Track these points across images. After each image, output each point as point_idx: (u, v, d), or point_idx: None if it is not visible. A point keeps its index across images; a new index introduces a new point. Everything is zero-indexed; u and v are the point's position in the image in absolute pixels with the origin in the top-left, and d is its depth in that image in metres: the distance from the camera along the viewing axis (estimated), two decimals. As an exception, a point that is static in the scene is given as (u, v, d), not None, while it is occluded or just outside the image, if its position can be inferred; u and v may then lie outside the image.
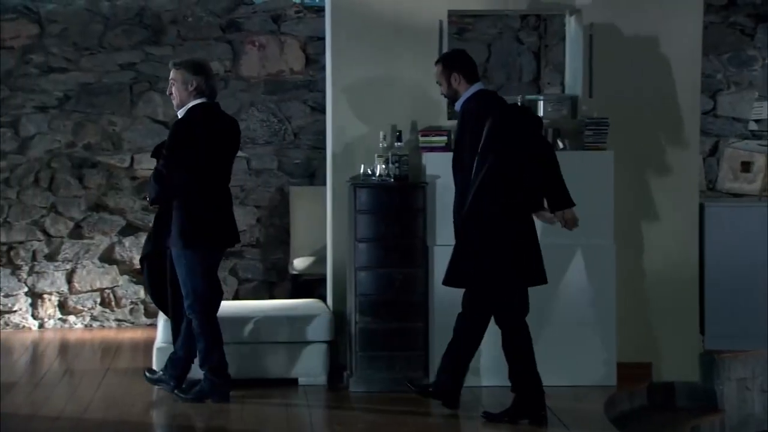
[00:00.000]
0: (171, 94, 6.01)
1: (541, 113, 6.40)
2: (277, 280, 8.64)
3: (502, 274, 5.45)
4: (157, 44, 8.56)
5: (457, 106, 5.65)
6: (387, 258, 6.20)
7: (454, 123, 6.54)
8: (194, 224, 5.85)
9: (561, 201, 5.50)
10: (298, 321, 6.40)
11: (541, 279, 5.55)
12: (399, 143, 6.17)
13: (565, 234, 5.98)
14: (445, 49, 6.30)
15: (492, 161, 5.37)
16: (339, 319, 6.51)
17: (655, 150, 6.60)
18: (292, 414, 5.79)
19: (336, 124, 6.56)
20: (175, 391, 5.99)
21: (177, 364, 6.03)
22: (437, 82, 5.75)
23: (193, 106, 5.93)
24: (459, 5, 6.41)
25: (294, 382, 6.34)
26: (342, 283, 6.58)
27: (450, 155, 5.73)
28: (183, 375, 6.05)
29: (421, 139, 6.27)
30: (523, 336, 5.56)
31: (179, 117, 5.98)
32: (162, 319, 6.40)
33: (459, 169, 5.59)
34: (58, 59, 8.44)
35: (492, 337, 6.13)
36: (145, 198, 7.56)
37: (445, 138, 6.23)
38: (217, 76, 8.52)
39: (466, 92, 5.62)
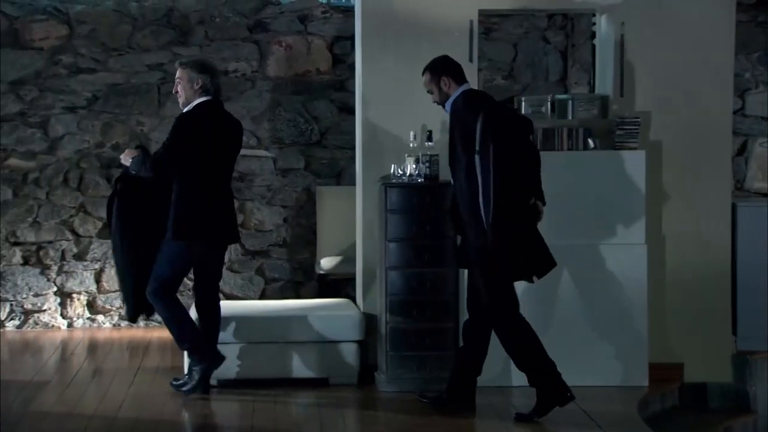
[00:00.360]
0: (177, 92, 6.17)
1: (570, 113, 6.39)
2: (304, 280, 8.64)
3: (504, 273, 5.50)
4: (185, 45, 8.58)
5: (447, 107, 5.68)
6: (417, 258, 6.20)
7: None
8: (189, 218, 6.00)
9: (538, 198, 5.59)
10: (329, 320, 6.41)
11: (543, 269, 5.56)
12: (429, 143, 6.17)
13: (597, 234, 5.98)
14: (475, 49, 6.30)
15: (488, 160, 5.39)
16: (369, 319, 6.51)
17: (686, 149, 6.58)
18: (324, 413, 5.79)
19: (366, 124, 6.57)
20: (172, 382, 6.20)
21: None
22: (428, 92, 5.76)
23: (198, 103, 6.05)
24: (489, 5, 6.41)
25: (325, 381, 6.34)
26: (371, 283, 6.58)
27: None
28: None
29: (451, 139, 6.24)
30: (524, 329, 5.58)
31: (183, 111, 6.10)
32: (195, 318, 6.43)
33: (456, 169, 5.62)
34: (87, 60, 8.48)
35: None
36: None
37: (475, 138, 6.20)
38: (243, 77, 8.60)
39: (456, 92, 5.65)
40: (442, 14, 6.39)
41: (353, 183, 7.40)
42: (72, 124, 8.49)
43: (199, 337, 6.12)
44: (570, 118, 6.38)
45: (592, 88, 8.57)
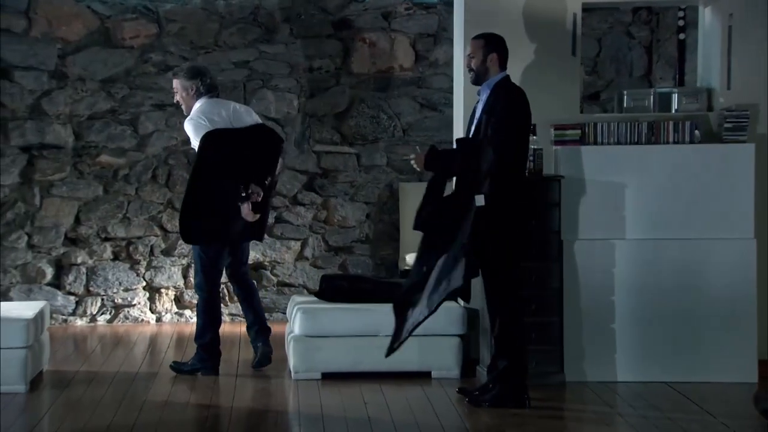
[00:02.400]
0: (178, 101, 6.63)
1: (675, 106, 6.38)
2: (384, 276, 8.68)
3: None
4: (270, 42, 8.66)
5: (488, 85, 5.70)
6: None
7: (587, 116, 6.57)
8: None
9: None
10: (432, 315, 6.42)
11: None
12: (534, 136, 6.18)
13: (704, 228, 5.98)
14: (578, 43, 6.31)
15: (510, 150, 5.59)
16: (470, 313, 6.54)
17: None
18: (436, 405, 5.82)
19: (466, 119, 6.54)
20: (172, 364, 6.61)
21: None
22: (470, 55, 5.78)
23: (199, 106, 6.50)
24: (594, -3, 6.43)
25: (427, 375, 6.38)
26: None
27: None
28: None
29: (555, 132, 6.27)
30: (522, 317, 5.81)
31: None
32: (296, 310, 6.50)
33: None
34: (176, 58, 8.58)
35: (627, 333, 6.16)
36: None
37: (578, 131, 6.24)
38: (327, 74, 8.66)
39: (498, 75, 5.71)
40: (544, 8, 6.39)
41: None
42: (160, 122, 8.60)
43: (215, 346, 6.53)
44: (673, 111, 6.37)
45: (677, 83, 8.55)
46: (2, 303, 6.55)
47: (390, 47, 8.71)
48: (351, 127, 8.71)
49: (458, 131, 6.81)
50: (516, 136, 5.63)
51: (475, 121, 5.78)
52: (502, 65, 5.76)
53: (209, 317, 6.53)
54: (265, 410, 5.77)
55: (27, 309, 6.34)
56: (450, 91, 8.73)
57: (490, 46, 5.74)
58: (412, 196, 8.51)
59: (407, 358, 6.33)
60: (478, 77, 5.77)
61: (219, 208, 6.37)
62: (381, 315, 6.39)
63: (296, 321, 6.46)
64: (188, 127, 6.49)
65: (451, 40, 8.66)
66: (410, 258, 8.26)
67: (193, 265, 7.25)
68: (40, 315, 6.32)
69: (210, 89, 6.56)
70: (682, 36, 8.63)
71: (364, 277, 7.49)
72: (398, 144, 8.75)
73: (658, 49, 8.77)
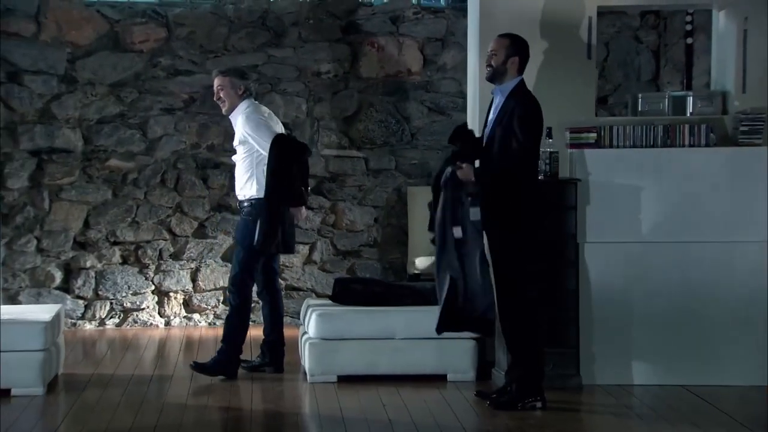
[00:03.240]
0: (219, 99, 6.61)
1: (690, 109, 6.41)
2: (395, 280, 8.69)
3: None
4: (279, 46, 8.68)
5: (503, 91, 5.73)
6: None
7: (603, 119, 6.59)
8: None
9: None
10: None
11: None
12: (549, 139, 6.20)
13: (717, 231, 6.00)
14: (594, 46, 6.34)
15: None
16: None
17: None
18: (456, 407, 5.83)
19: (476, 123, 6.55)
20: (192, 364, 6.58)
21: (273, 347, 6.63)
22: (492, 52, 5.78)
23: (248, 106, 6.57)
24: (609, 1, 6.44)
25: (443, 378, 6.39)
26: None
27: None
28: (281, 356, 6.64)
29: (571, 135, 6.29)
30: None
31: (248, 113, 6.56)
32: (312, 313, 6.51)
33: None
34: (185, 62, 8.58)
35: (642, 336, 6.17)
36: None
37: (594, 135, 6.26)
38: (336, 78, 8.68)
39: (514, 80, 5.74)
40: (560, 12, 6.42)
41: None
42: (169, 126, 8.60)
43: (236, 358, 6.58)
44: (688, 114, 6.40)
45: (684, 87, 8.59)
46: (19, 306, 6.54)
47: (398, 51, 8.73)
48: (359, 131, 8.73)
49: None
50: (532, 144, 5.64)
51: (488, 128, 5.79)
52: (521, 70, 5.78)
53: (244, 321, 6.61)
54: (286, 412, 5.79)
55: (44, 312, 6.34)
56: (458, 95, 8.76)
57: (514, 48, 5.75)
58: (420, 200, 8.52)
59: (423, 360, 6.35)
60: (494, 76, 5.78)
61: (286, 214, 6.45)
62: (397, 318, 6.41)
63: (312, 324, 6.46)
64: (252, 125, 6.49)
65: (459, 44, 8.69)
66: (419, 262, 8.29)
67: (230, 266, 7.09)
68: (56, 318, 6.32)
69: (253, 93, 6.72)
70: (689, 40, 8.69)
71: (378, 281, 7.51)
72: (406, 148, 8.76)
73: (666, 54, 8.81)
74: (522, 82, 5.78)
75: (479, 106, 6.51)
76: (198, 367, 6.50)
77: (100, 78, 8.49)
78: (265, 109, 6.78)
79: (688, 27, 8.68)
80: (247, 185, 6.53)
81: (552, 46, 6.41)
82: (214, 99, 6.72)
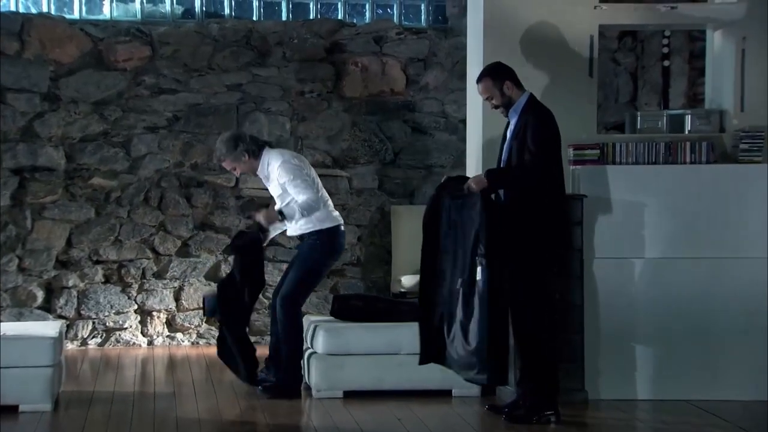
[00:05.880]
0: (237, 174, 6.82)
1: (688, 127, 6.55)
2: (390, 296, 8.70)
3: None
4: (263, 66, 8.68)
5: (516, 110, 5.80)
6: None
7: (605, 136, 6.69)
8: None
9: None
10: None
11: None
12: (554, 156, 6.27)
13: (717, 247, 6.13)
14: (596, 64, 6.46)
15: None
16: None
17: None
18: (473, 421, 5.86)
19: (486, 139, 6.58)
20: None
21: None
22: (486, 99, 5.88)
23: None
24: (609, 20, 6.57)
25: (448, 393, 6.41)
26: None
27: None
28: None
29: (574, 152, 6.39)
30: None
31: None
32: (316, 329, 6.50)
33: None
34: (169, 80, 8.54)
35: (646, 351, 6.24)
36: (248, 217, 8.27)
37: (597, 151, 6.36)
38: (319, 97, 8.69)
39: (522, 97, 5.82)
40: (562, 30, 6.51)
41: (426, 202, 7.40)
42: (153, 144, 8.54)
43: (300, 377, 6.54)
44: (686, 132, 6.54)
45: (661, 107, 8.77)
46: (20, 323, 6.43)
47: (381, 71, 8.79)
48: (343, 150, 8.76)
49: (471, 161, 6.88)
50: (545, 156, 5.72)
51: (506, 146, 5.87)
52: (519, 86, 5.87)
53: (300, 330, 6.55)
54: (301, 426, 5.75)
55: (48, 328, 6.25)
56: (440, 115, 8.84)
57: (498, 78, 5.83)
58: (403, 219, 8.57)
59: (429, 376, 6.35)
60: (506, 108, 5.86)
61: None
62: (403, 333, 6.42)
63: (318, 339, 6.45)
64: (289, 174, 6.51)
65: (440, 65, 8.79)
66: (405, 280, 8.31)
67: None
68: (61, 335, 6.23)
69: (258, 143, 6.66)
70: (666, 63, 8.90)
71: (378, 297, 7.51)
72: (390, 167, 8.81)
73: (644, 75, 9.00)
74: (531, 97, 5.86)
75: (483, 132, 6.54)
76: (271, 390, 6.40)
77: (84, 96, 8.41)
78: (286, 152, 6.85)
79: (665, 50, 8.89)
80: (302, 221, 6.55)
81: (554, 64, 6.51)
82: (236, 176, 7.13)
